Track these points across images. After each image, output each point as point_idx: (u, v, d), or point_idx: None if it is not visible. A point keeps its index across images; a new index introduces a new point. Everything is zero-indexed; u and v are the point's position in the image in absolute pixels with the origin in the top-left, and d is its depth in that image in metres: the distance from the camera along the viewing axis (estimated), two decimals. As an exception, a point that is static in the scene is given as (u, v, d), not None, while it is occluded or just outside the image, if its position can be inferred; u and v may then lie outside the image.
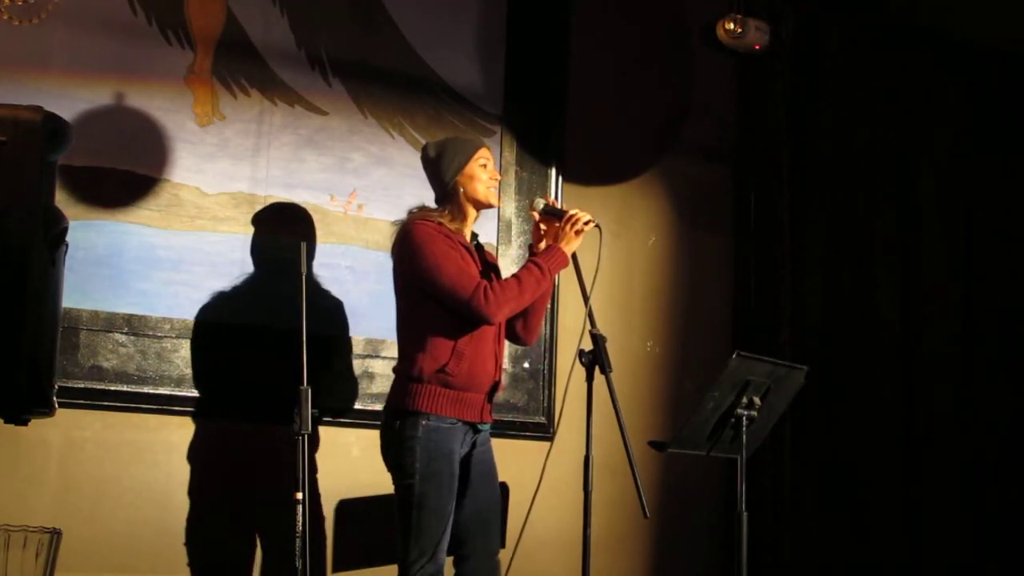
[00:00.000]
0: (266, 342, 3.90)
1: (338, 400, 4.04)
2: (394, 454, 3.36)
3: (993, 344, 5.37)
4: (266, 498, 3.81)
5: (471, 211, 3.54)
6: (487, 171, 3.53)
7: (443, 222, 3.46)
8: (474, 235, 3.62)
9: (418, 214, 3.51)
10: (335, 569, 3.96)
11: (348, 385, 4.09)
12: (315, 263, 4.01)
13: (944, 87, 5.41)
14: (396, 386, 3.43)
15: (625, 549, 4.60)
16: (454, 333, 3.37)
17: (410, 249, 3.40)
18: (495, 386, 3.50)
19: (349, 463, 4.04)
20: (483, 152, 3.55)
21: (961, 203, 5.41)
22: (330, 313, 4.04)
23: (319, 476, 3.89)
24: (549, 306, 4.45)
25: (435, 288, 3.36)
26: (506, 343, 3.65)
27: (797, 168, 5.10)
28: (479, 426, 3.47)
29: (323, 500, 3.90)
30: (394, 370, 3.47)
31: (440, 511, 3.31)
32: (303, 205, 4.08)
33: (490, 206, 3.57)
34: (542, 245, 3.55)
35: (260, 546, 3.85)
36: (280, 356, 3.75)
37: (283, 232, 4.00)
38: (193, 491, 3.80)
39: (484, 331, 3.42)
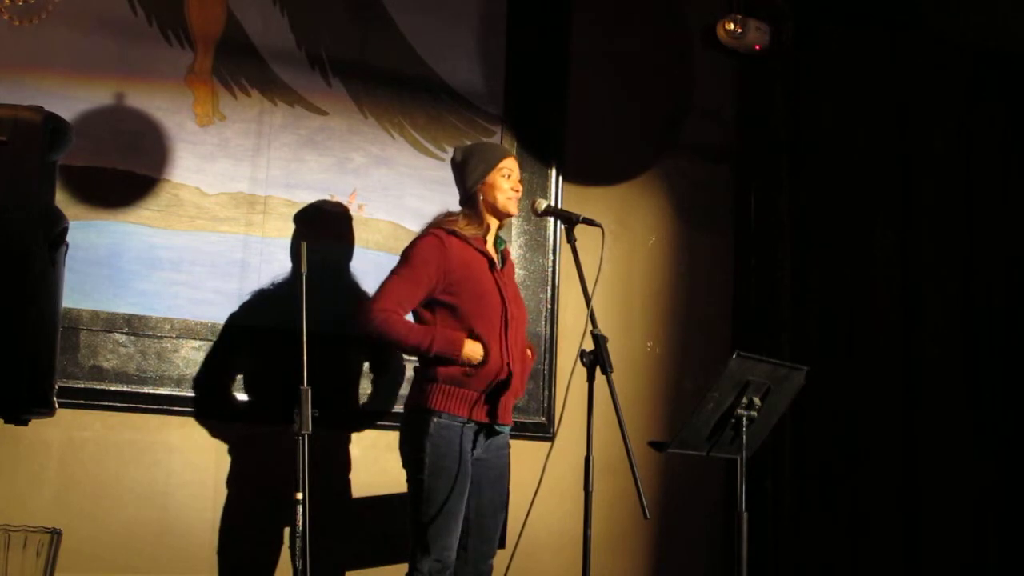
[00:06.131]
0: (266, 342, 3.91)
1: (338, 400, 4.03)
2: (408, 450, 3.45)
3: (993, 345, 5.36)
4: (266, 498, 3.81)
5: (490, 218, 3.60)
6: (509, 181, 3.59)
7: (457, 229, 3.53)
8: (500, 240, 3.67)
9: (435, 221, 3.60)
10: (335, 569, 3.95)
11: (348, 385, 4.09)
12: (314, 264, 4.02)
13: (944, 87, 5.40)
14: (413, 386, 3.53)
15: (625, 549, 4.60)
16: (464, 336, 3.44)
17: (404, 252, 3.53)
18: (504, 386, 3.50)
19: (349, 463, 4.04)
20: (507, 162, 3.61)
21: (961, 203, 5.39)
22: (330, 313, 4.03)
23: (319, 476, 3.89)
24: (549, 307, 4.51)
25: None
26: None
27: (797, 168, 5.10)
28: (495, 427, 3.49)
29: (323, 500, 3.89)
30: (415, 370, 3.57)
31: (448, 508, 3.35)
32: (303, 205, 4.08)
33: (509, 215, 3.64)
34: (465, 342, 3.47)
35: (260, 546, 3.85)
36: (280, 356, 3.75)
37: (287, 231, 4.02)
38: (193, 491, 3.81)
39: (489, 334, 3.46)
